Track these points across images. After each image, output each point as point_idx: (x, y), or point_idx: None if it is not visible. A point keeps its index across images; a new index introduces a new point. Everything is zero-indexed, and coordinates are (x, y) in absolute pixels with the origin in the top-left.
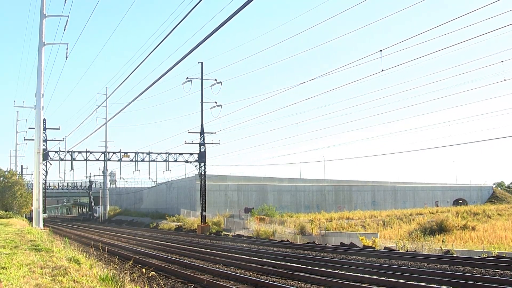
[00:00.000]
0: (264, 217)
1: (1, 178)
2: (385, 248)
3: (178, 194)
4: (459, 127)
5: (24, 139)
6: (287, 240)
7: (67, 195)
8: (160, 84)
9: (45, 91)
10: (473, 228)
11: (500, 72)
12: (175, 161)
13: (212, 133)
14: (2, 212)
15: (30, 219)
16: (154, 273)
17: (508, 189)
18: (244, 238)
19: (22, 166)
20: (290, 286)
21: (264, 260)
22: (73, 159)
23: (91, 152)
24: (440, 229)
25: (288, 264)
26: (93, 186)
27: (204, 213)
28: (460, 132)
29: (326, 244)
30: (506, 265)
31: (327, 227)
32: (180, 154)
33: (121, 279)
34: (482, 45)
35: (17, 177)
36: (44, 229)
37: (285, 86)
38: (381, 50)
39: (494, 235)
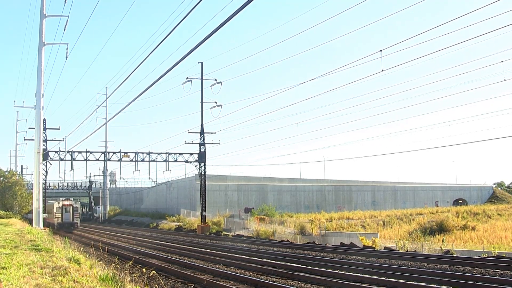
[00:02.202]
0: (264, 217)
1: (1, 178)
2: (385, 248)
3: (178, 194)
4: (459, 127)
5: (24, 139)
6: (287, 240)
7: (67, 195)
8: (160, 84)
9: (45, 91)
10: (473, 228)
11: (500, 72)
12: (175, 161)
13: (212, 133)
14: (2, 212)
15: (29, 220)
16: (154, 272)
17: (508, 189)
18: (244, 238)
19: (22, 166)
20: (290, 286)
21: (264, 260)
22: (73, 159)
23: (91, 152)
24: (440, 229)
25: (288, 264)
26: (93, 186)
27: (204, 213)
28: (460, 132)
29: (326, 244)
30: (506, 265)
31: (327, 227)
32: (180, 154)
33: (121, 279)
34: (482, 45)
35: (17, 177)
36: (44, 229)
37: (285, 86)
38: (381, 50)
39: (494, 235)
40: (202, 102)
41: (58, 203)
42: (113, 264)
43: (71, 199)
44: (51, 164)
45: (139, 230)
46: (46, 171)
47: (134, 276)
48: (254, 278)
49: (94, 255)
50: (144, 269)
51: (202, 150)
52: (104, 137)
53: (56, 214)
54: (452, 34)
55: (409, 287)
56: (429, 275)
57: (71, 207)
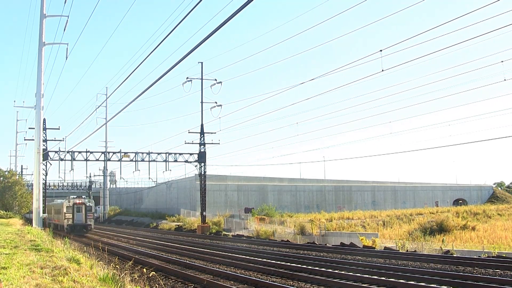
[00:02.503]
0: (264, 217)
1: (1, 178)
2: (385, 248)
3: (178, 194)
4: (459, 127)
5: (24, 139)
6: (287, 240)
7: (67, 195)
8: (160, 84)
9: (45, 91)
10: (473, 228)
11: (500, 72)
12: (175, 161)
13: (212, 133)
14: (2, 212)
15: (28, 220)
16: (154, 273)
17: (508, 189)
18: (244, 238)
19: (22, 166)
20: (290, 286)
21: (264, 260)
22: (73, 159)
23: (91, 152)
24: (440, 229)
25: (288, 264)
26: (93, 186)
27: (204, 213)
28: (460, 132)
29: (326, 244)
30: (506, 265)
31: (327, 227)
32: (180, 154)
33: (121, 279)
34: (482, 45)
35: (17, 177)
36: (44, 229)
37: (285, 86)
38: (381, 50)
39: (494, 235)
40: (202, 102)
41: (69, 202)
42: (113, 264)
43: (83, 197)
44: (51, 164)
45: (139, 230)
46: (46, 171)
47: (134, 276)
48: (254, 278)
49: (94, 255)
50: (144, 269)
51: (202, 150)
52: (104, 137)
53: (66, 215)
54: (452, 34)
55: (409, 287)
56: (429, 275)
57: (83, 206)
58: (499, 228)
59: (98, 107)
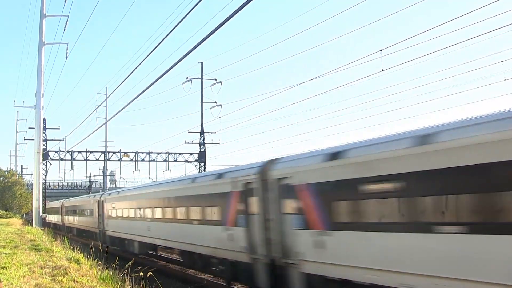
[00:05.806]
0: None
1: (1, 178)
2: None
3: None
4: None
5: (24, 139)
6: None
7: (67, 195)
8: (160, 84)
9: (45, 91)
10: None
11: (500, 72)
12: (175, 161)
13: (212, 133)
14: (2, 212)
15: (28, 220)
16: (155, 272)
17: None
18: None
19: (22, 166)
20: None
21: None
22: (73, 159)
23: (91, 152)
24: None
25: None
26: (93, 186)
27: None
28: None
29: None
30: None
31: None
32: (180, 154)
33: (121, 279)
34: (482, 45)
35: (17, 177)
36: (43, 229)
37: (285, 86)
38: (381, 50)
39: None
40: (202, 102)
41: None
42: (113, 264)
43: None
44: (51, 164)
45: None
46: (46, 171)
47: (134, 276)
48: None
49: (93, 255)
50: (144, 269)
51: (202, 149)
52: (104, 137)
53: None
54: (452, 34)
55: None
56: None
57: None
58: None
59: (98, 107)
